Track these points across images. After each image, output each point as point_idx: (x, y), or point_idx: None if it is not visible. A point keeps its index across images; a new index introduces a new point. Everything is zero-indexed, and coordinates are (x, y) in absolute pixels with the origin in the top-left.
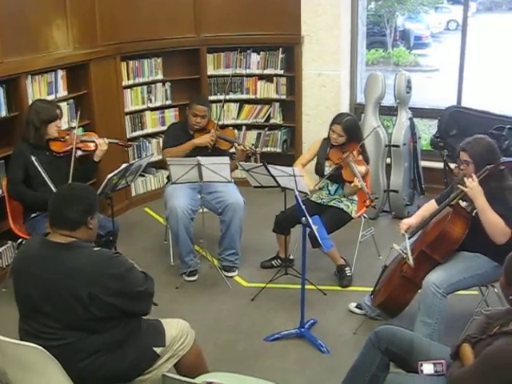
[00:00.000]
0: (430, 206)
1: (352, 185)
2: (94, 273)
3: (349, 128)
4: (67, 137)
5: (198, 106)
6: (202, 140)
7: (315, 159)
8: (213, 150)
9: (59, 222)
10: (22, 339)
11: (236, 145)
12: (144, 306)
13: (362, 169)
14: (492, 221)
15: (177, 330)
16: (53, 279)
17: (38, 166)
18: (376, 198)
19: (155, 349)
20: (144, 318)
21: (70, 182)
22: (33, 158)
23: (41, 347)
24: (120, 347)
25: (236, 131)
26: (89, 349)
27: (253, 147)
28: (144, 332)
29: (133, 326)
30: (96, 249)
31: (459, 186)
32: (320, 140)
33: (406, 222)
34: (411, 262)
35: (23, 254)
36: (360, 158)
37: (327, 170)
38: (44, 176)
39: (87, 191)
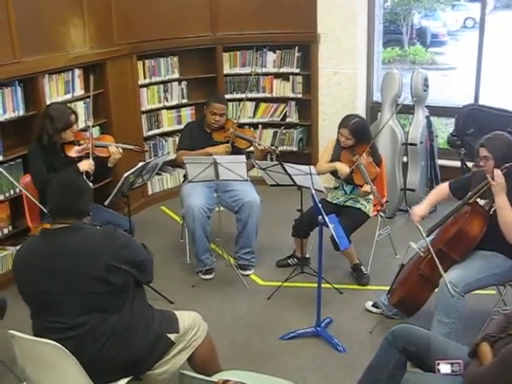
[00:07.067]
0: (442, 189)
1: (362, 190)
2: (107, 246)
3: (356, 131)
4: (82, 141)
5: (217, 104)
6: (217, 150)
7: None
8: (231, 149)
9: (68, 213)
10: (36, 336)
11: (255, 144)
12: (149, 273)
13: (373, 172)
14: (509, 220)
15: (189, 320)
16: (67, 263)
17: (7, 175)
18: (387, 202)
19: (169, 335)
20: (157, 308)
21: None
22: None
23: (57, 343)
24: (136, 333)
25: (252, 130)
26: (106, 332)
27: (272, 146)
28: (158, 319)
29: (145, 309)
30: (97, 227)
31: (488, 177)
32: (334, 140)
33: (418, 214)
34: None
35: (27, 252)
36: (370, 160)
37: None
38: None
39: (84, 182)
